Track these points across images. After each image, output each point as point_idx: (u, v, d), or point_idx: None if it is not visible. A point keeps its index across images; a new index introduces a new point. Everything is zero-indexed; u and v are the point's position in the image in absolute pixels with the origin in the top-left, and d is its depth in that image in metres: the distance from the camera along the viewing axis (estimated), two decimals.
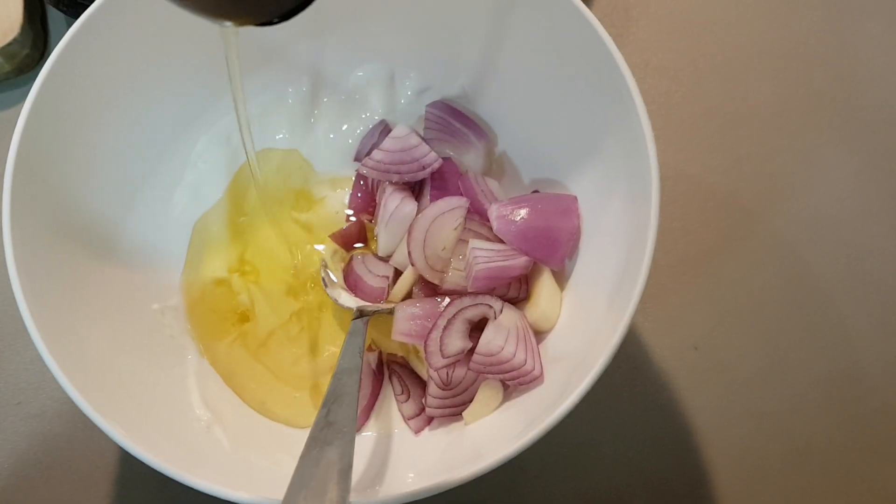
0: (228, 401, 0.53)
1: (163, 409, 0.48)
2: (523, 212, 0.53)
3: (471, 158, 0.59)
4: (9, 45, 0.64)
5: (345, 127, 0.62)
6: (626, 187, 0.47)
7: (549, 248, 0.52)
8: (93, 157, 0.51)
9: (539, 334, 0.52)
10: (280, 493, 0.36)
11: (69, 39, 0.46)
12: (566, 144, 0.54)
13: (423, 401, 0.53)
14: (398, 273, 0.57)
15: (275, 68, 0.59)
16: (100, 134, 0.51)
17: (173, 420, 0.48)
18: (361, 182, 0.60)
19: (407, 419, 0.52)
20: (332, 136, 0.62)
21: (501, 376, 0.49)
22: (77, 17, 0.48)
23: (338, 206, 0.61)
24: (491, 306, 0.51)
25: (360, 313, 0.53)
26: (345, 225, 0.59)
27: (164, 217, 0.57)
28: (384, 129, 0.61)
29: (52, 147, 0.47)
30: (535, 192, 0.57)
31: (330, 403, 0.42)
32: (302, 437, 0.51)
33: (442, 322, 0.51)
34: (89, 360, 0.46)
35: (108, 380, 0.46)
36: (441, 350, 0.50)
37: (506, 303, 0.51)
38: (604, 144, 0.49)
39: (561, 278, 0.54)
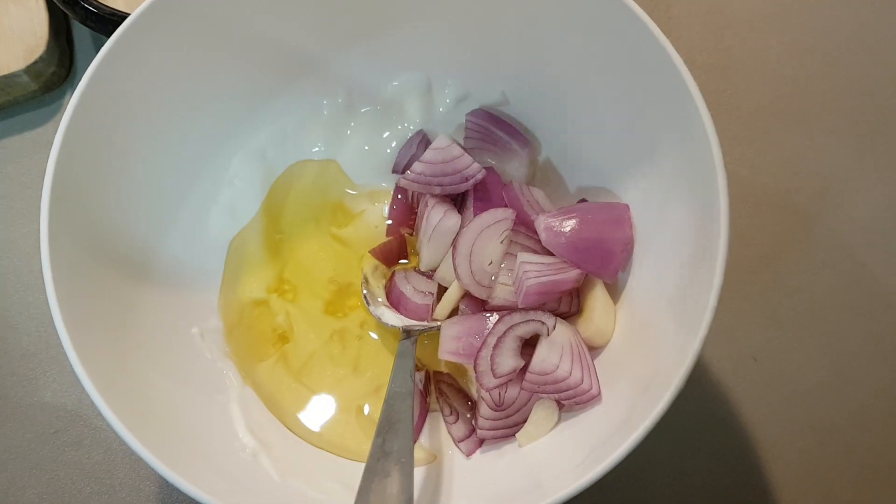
0: (274, 427, 0.51)
1: (206, 437, 0.47)
2: (573, 222, 0.50)
3: (514, 167, 0.57)
4: (35, 63, 0.63)
5: (383, 137, 0.60)
6: (687, 194, 0.44)
7: (602, 260, 0.50)
8: (128, 178, 0.50)
9: (593, 350, 0.50)
10: None
11: (102, 59, 0.45)
12: (616, 150, 0.51)
13: (474, 422, 0.50)
14: (442, 289, 0.55)
15: (310, 80, 0.57)
16: (134, 155, 0.50)
17: (217, 449, 0.46)
18: (400, 195, 0.58)
19: (457, 441, 0.50)
20: (368, 147, 0.60)
21: (556, 396, 0.47)
22: (105, 32, 0.46)
23: (377, 220, 0.59)
24: (543, 322, 0.49)
25: (408, 333, 0.51)
26: (385, 240, 0.58)
27: (200, 237, 0.55)
28: (422, 139, 0.59)
29: (87, 170, 0.46)
30: (583, 201, 0.55)
31: (384, 432, 0.40)
32: (350, 463, 0.50)
33: (492, 340, 0.49)
34: (129, 387, 0.44)
35: (148, 407, 0.44)
36: (492, 369, 0.48)
37: (558, 318, 0.49)
38: (659, 148, 0.47)
39: (614, 291, 0.51)
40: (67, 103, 0.66)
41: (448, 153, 0.54)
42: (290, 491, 0.46)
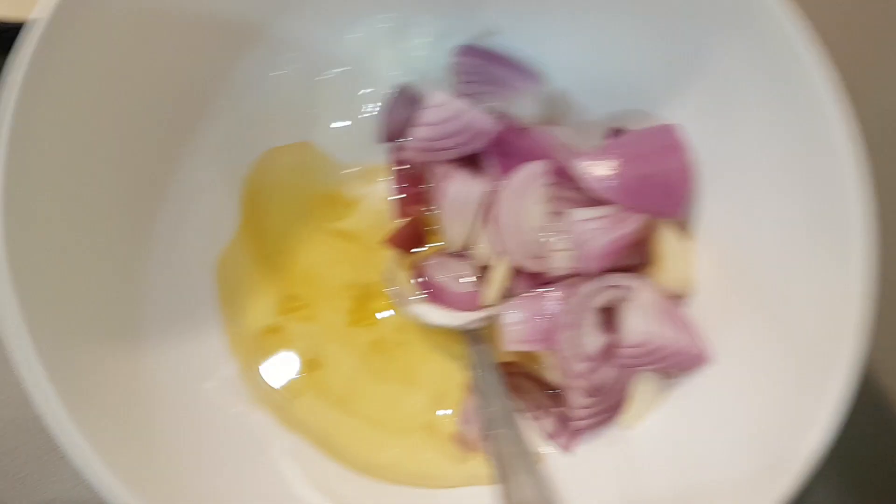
0: (341, 474, 0.43)
1: None
2: (620, 160, 0.43)
3: (524, 107, 0.48)
4: None
5: (357, 104, 0.50)
6: (768, 87, 0.37)
7: (665, 197, 0.43)
8: (81, 217, 0.39)
9: (677, 300, 0.44)
10: None
11: (24, 79, 0.34)
12: (653, 60, 0.44)
13: (563, 412, 0.44)
14: (483, 269, 0.47)
15: (256, 55, 0.47)
16: (79, 184, 0.39)
17: None
18: (401, 167, 0.49)
19: (551, 437, 0.44)
20: (343, 119, 0.50)
21: (660, 365, 0.41)
22: None
23: (380, 202, 0.50)
24: (625, 286, 0.42)
25: (471, 335, 0.43)
26: (397, 224, 0.49)
27: (181, 271, 0.44)
28: (405, 96, 0.49)
29: (40, 221, 0.35)
30: (616, 131, 0.47)
31: (506, 478, 0.33)
32: (443, 493, 0.43)
33: (568, 318, 0.42)
34: (157, 481, 0.35)
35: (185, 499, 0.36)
36: (578, 352, 0.42)
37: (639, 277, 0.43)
38: (714, 45, 0.40)
39: (684, 228, 0.45)
40: None
41: (451, 109, 0.45)
42: None
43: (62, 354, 0.34)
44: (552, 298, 0.43)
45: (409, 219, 0.49)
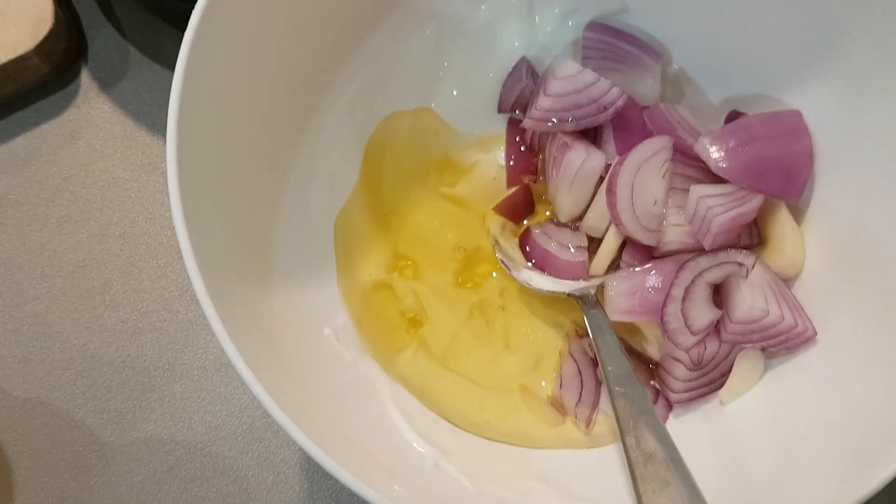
0: (440, 426, 0.44)
1: (385, 451, 0.40)
2: (744, 140, 0.43)
3: (646, 86, 0.49)
4: (45, 40, 0.52)
5: (481, 73, 0.51)
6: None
7: (786, 180, 0.44)
8: (229, 174, 0.41)
9: (784, 283, 0.44)
10: None
11: (196, 27, 0.36)
12: (782, 42, 0.44)
13: (659, 385, 0.45)
14: (591, 240, 0.48)
15: (391, 20, 0.48)
16: (230, 141, 0.40)
17: (398, 462, 0.40)
18: (518, 138, 0.50)
19: None
20: (466, 87, 0.51)
21: (766, 343, 0.41)
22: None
23: (493, 170, 0.51)
24: (741, 263, 0.42)
25: (582, 299, 0.44)
26: (507, 192, 0.50)
27: (306, 223, 0.46)
28: (528, 68, 0.51)
29: (199, 155, 0.37)
30: (736, 114, 0.47)
31: (632, 429, 0.34)
32: (537, 452, 0.44)
33: (678, 292, 0.42)
34: (293, 391, 0.37)
35: (319, 418, 0.37)
36: (688, 325, 0.42)
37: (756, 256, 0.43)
38: (846, 31, 0.40)
39: (796, 212, 0.45)
40: (83, 84, 0.57)
41: (580, 81, 0.46)
42: (489, 499, 0.40)
43: (221, 290, 0.35)
44: (661, 272, 0.43)
45: (519, 187, 0.50)
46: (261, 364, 0.34)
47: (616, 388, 0.37)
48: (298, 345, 0.41)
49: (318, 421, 0.36)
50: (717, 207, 0.42)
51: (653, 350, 0.46)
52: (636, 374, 0.38)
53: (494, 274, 0.49)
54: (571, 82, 0.46)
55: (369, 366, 0.45)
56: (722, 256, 0.42)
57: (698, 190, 0.43)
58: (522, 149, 0.50)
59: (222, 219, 0.39)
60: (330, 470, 0.32)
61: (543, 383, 0.47)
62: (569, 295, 0.45)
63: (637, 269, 0.45)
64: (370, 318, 0.47)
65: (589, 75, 0.46)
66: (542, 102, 0.46)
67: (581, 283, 0.46)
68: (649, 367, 0.46)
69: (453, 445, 0.43)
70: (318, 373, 0.41)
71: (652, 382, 0.45)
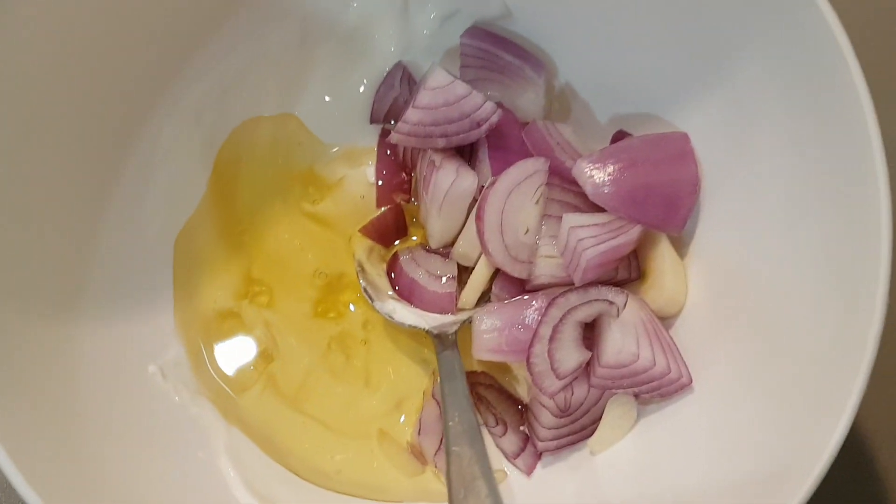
0: (278, 476, 0.39)
1: None
2: (625, 165, 0.39)
3: (528, 100, 0.45)
4: None
5: (352, 79, 0.46)
6: (788, 106, 0.34)
7: (667, 210, 0.40)
8: (31, 172, 0.35)
9: (664, 323, 0.40)
10: None
11: None
12: (670, 61, 0.40)
13: (528, 431, 0.41)
14: (463, 269, 0.43)
15: (251, 13, 0.43)
16: (31, 141, 0.35)
17: None
18: (388, 152, 0.46)
19: (512, 458, 0.40)
20: (334, 93, 0.47)
21: (637, 389, 0.38)
22: None
23: (361, 187, 0.46)
24: (611, 301, 0.38)
25: (440, 338, 0.40)
26: (376, 213, 0.45)
27: (137, 240, 0.41)
28: (404, 74, 0.46)
29: None
30: (622, 134, 0.44)
31: (462, 499, 0.30)
32: None
33: (546, 331, 0.38)
34: (80, 478, 0.32)
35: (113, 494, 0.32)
36: (554, 368, 0.38)
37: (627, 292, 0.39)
38: (737, 51, 0.36)
39: (679, 245, 0.41)
40: None
41: (451, 93, 0.41)
42: None
43: None
44: (532, 307, 0.39)
45: (389, 207, 0.45)
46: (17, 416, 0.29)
47: (453, 448, 0.33)
48: (103, 387, 0.36)
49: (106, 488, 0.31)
50: (589, 239, 0.38)
51: (522, 391, 0.42)
52: (479, 431, 0.34)
53: (352, 307, 0.44)
54: (441, 94, 0.41)
55: (202, 409, 0.40)
56: (592, 293, 0.38)
57: (570, 220, 0.39)
58: (394, 164, 0.46)
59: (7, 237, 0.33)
60: None
61: (404, 423, 0.42)
62: (427, 332, 0.41)
63: (506, 303, 0.41)
64: (210, 353, 0.42)
65: (460, 87, 0.41)
66: (411, 115, 0.42)
67: (447, 318, 0.42)
68: (519, 410, 0.42)
69: (290, 500, 0.38)
70: (130, 423, 0.36)
71: (522, 428, 0.41)
